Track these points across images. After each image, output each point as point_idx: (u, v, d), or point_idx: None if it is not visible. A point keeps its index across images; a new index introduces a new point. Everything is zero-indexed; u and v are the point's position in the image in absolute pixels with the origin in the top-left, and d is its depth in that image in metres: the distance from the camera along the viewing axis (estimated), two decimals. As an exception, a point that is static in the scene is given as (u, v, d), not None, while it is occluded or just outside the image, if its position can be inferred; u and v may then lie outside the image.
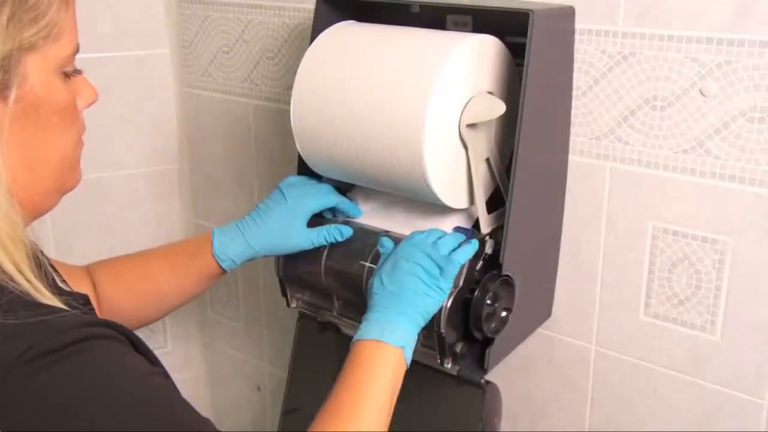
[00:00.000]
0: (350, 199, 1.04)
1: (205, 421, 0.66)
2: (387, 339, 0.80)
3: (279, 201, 0.98)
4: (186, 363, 1.64)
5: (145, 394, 0.64)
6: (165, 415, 0.64)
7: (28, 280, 0.64)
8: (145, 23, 1.43)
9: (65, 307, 0.65)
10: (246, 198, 1.43)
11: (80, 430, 0.60)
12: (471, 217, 0.96)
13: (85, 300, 0.76)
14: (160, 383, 0.66)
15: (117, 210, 1.50)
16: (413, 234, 0.89)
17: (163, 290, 0.99)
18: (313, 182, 1.01)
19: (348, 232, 0.97)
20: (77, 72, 0.71)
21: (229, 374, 1.63)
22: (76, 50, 0.70)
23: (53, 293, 0.66)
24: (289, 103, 0.96)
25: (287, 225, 0.97)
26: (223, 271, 0.99)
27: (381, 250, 0.90)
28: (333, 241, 0.97)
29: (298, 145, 0.97)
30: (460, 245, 0.87)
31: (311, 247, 0.97)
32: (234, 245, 0.97)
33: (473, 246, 0.88)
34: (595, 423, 1.08)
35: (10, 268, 0.63)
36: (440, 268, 0.84)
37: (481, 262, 0.90)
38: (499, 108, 0.88)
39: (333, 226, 0.97)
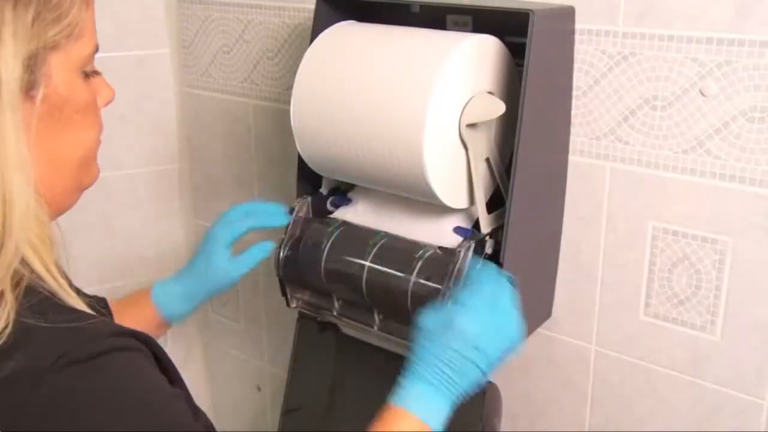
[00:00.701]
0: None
1: None
2: (427, 420, 0.76)
3: (202, 240, 0.99)
4: (186, 363, 1.64)
5: (161, 414, 0.64)
6: None
7: (55, 279, 0.65)
8: (145, 23, 1.43)
9: (89, 310, 0.66)
10: (246, 198, 1.43)
11: None
12: (471, 217, 0.96)
13: (104, 303, 0.76)
14: (179, 407, 0.67)
15: (117, 210, 1.50)
16: (486, 308, 0.80)
17: None
18: (237, 209, 1.02)
19: (269, 246, 0.98)
20: (96, 72, 0.72)
21: (229, 374, 1.63)
22: (96, 49, 0.71)
23: (77, 293, 0.67)
24: (289, 103, 0.96)
25: (209, 262, 0.98)
26: (166, 322, 0.98)
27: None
28: (258, 261, 0.98)
29: (298, 145, 0.97)
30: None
31: (242, 274, 0.98)
32: (173, 290, 0.98)
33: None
34: (595, 423, 1.08)
35: (39, 267, 0.64)
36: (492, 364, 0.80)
37: (481, 262, 0.90)
38: (499, 108, 0.88)
39: (254, 247, 0.98)
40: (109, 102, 0.76)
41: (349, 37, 0.95)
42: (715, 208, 0.90)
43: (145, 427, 0.62)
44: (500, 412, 1.01)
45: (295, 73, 0.95)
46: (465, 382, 0.78)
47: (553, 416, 1.12)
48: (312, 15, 1.00)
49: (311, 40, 0.97)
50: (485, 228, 0.93)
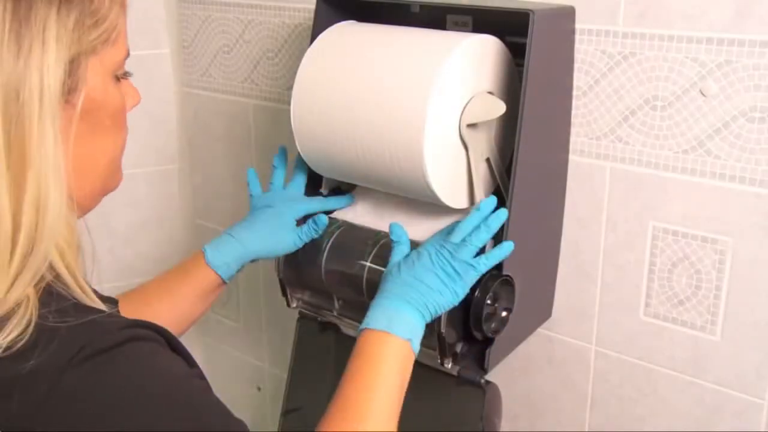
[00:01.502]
0: (348, 198, 1.04)
1: (240, 423, 0.67)
2: (395, 330, 0.79)
3: (266, 206, 0.99)
4: (186, 363, 1.64)
5: (185, 395, 0.65)
6: (203, 416, 0.65)
7: (80, 286, 0.65)
8: (145, 23, 1.43)
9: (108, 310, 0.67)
10: (246, 198, 1.42)
11: (124, 430, 0.61)
12: (471, 217, 0.96)
13: (116, 303, 0.77)
14: (199, 385, 0.68)
15: (117, 210, 1.50)
16: (444, 230, 0.89)
17: (162, 318, 0.97)
18: (295, 184, 1.03)
19: (323, 220, 0.97)
20: (127, 75, 0.73)
21: (229, 374, 1.63)
22: (127, 54, 0.71)
23: (99, 298, 0.68)
24: (289, 103, 0.96)
25: (278, 226, 0.97)
26: (222, 282, 0.97)
27: (392, 237, 0.88)
28: (314, 234, 0.97)
29: (298, 146, 0.97)
30: (485, 247, 0.87)
31: (301, 245, 0.98)
32: (227, 250, 0.96)
33: (505, 250, 0.87)
34: (595, 423, 1.08)
35: (64, 272, 0.64)
36: (458, 273, 0.83)
37: (481, 262, 0.90)
38: (499, 108, 0.88)
39: (309, 221, 0.97)
40: (136, 105, 0.76)
41: (349, 37, 0.95)
42: (715, 208, 0.91)
43: (172, 410, 0.63)
44: (500, 412, 1.01)
45: (295, 73, 0.95)
46: (423, 291, 0.82)
47: (553, 416, 1.12)
48: (312, 15, 1.01)
49: (311, 40, 0.97)
50: (485, 228, 0.93)
